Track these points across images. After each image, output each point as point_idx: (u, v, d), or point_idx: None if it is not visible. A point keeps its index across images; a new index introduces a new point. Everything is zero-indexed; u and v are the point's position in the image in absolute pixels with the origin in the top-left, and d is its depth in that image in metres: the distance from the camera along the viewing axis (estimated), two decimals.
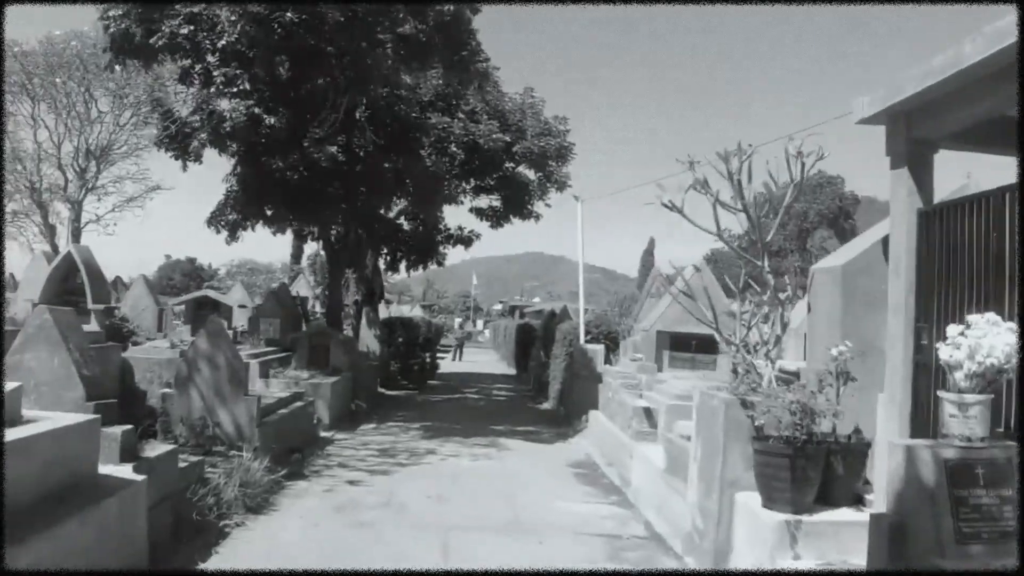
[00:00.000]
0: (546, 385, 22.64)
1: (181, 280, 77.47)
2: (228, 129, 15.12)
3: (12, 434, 5.29)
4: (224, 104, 15.52)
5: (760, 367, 7.74)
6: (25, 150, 35.93)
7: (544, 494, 10.73)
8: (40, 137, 35.77)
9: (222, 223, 18.13)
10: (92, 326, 19.11)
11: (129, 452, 7.08)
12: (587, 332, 22.79)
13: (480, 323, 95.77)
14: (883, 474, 5.65)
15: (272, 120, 16.04)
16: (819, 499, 6.50)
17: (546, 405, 21.61)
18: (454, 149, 20.83)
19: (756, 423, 6.77)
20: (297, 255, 48.43)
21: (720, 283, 16.06)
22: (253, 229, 18.59)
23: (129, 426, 7.23)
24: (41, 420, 6.04)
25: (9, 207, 46.74)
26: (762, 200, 8.34)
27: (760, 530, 6.34)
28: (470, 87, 19.35)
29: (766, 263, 8.12)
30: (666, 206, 8.18)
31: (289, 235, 27.25)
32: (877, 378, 6.71)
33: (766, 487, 6.47)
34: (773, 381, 7.52)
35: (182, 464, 8.30)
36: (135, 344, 18.46)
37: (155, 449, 7.75)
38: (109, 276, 38.44)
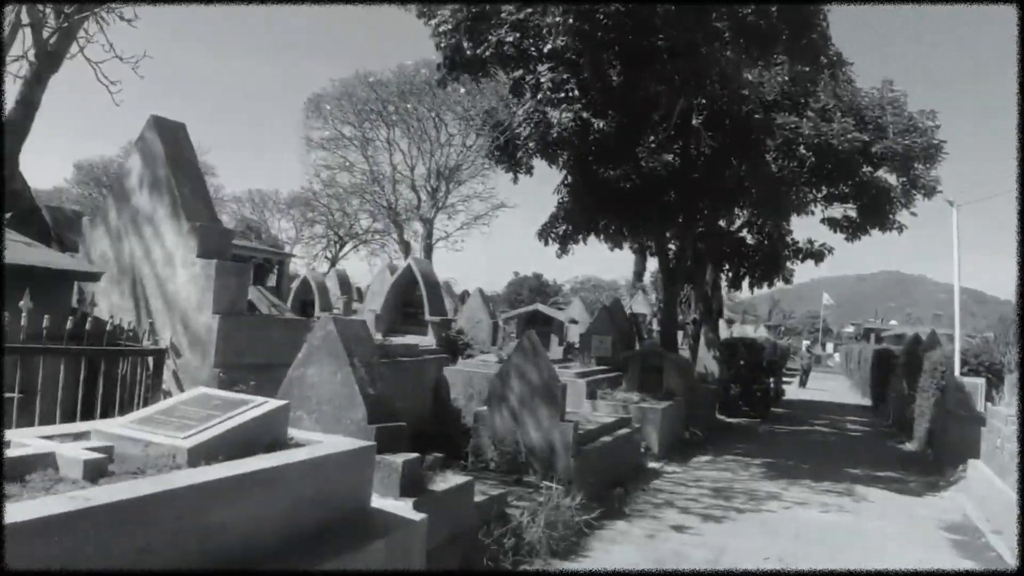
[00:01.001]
0: (909, 422, 19.67)
1: (528, 295, 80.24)
2: (555, 136, 14.39)
3: (260, 462, 4.51)
4: (552, 112, 14.83)
5: None
6: (384, 173, 38.74)
7: (912, 566, 8.54)
8: (395, 160, 38.41)
9: (553, 235, 17.52)
10: (428, 338, 19.44)
11: (413, 484, 6.20)
12: (963, 363, 19.42)
13: (830, 346, 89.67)
14: None
15: (601, 124, 15.09)
16: None
17: (909, 446, 18.67)
18: (803, 151, 18.64)
19: None
20: (639, 272, 47.78)
21: None
22: (584, 241, 17.81)
23: (414, 455, 6.36)
24: (311, 444, 5.28)
25: (372, 225, 50.96)
26: None
27: None
28: (819, 78, 17.18)
29: None
30: None
31: (632, 252, 26.47)
32: None
33: None
34: None
35: (479, 497, 7.35)
36: (468, 357, 18.39)
37: (447, 480, 6.84)
38: (457, 290, 40.54)
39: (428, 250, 39.53)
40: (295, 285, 22.92)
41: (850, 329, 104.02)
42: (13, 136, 12.07)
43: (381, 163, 39.85)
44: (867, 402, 32.56)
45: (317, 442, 5.37)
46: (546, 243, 17.67)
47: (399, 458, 6.12)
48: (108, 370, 7.16)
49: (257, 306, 13.09)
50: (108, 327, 7.37)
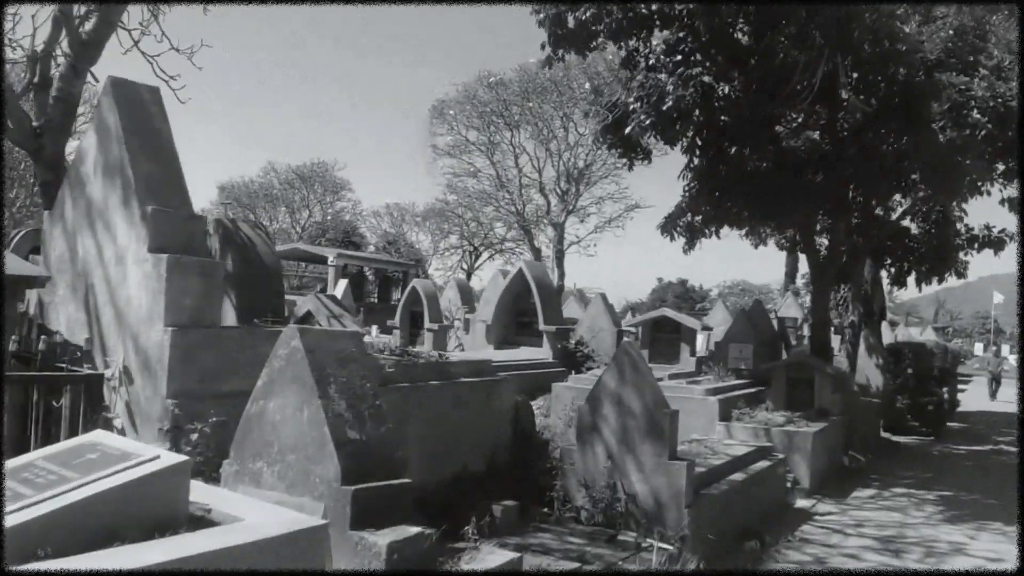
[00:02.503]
0: None
1: (673, 302, 77.34)
2: (671, 106, 12.09)
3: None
4: (667, 79, 12.52)
5: None
6: (510, 177, 37.07)
7: None
8: (521, 163, 36.68)
9: (678, 228, 15.14)
10: (544, 349, 17.44)
11: None
12: None
13: (1005, 348, 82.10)
14: None
15: (727, 90, 12.66)
16: None
17: None
18: (976, 116, 15.54)
19: None
20: (791, 272, 44.16)
21: None
22: (717, 235, 15.33)
23: (413, 530, 4.33)
24: (227, 523, 3.38)
25: (507, 234, 49.43)
26: None
27: None
28: (989, 29, 14.27)
29: None
30: None
31: (779, 249, 23.65)
32: None
33: None
34: None
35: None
36: (587, 370, 16.27)
37: (483, 559, 4.78)
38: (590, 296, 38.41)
39: (560, 256, 37.62)
40: (404, 296, 21.40)
41: None
42: (56, 134, 10.87)
43: (508, 167, 38.24)
44: None
45: (236, 519, 3.45)
46: (671, 237, 15.28)
47: (383, 537, 4.11)
48: (46, 399, 5.51)
49: (315, 316, 11.39)
50: (46, 345, 5.72)
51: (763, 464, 9.80)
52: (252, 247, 12.01)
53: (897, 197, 20.88)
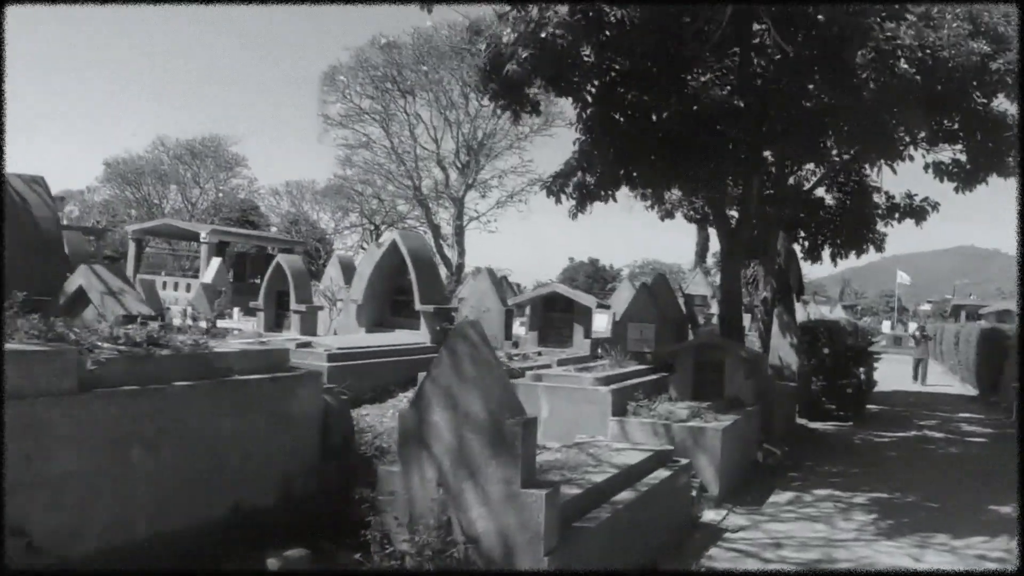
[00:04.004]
0: None
1: (584, 282, 75.91)
2: (550, 38, 9.91)
3: None
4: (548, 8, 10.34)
5: None
6: (406, 149, 34.64)
7: None
8: (417, 133, 34.29)
9: (566, 190, 13.00)
10: (422, 332, 15.23)
11: None
12: None
13: (912, 326, 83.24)
14: None
15: (620, 15, 10.54)
16: None
17: None
18: (904, 67, 13.79)
19: None
20: (702, 251, 42.89)
21: None
22: (613, 198, 13.25)
23: None
24: None
25: (410, 211, 47.01)
26: None
27: None
28: None
29: None
30: None
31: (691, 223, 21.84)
32: None
33: None
34: None
35: None
36: None
37: None
38: (513, 281, 36.30)
39: (459, 232, 35.34)
40: (268, 274, 18.85)
41: (927, 307, 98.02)
42: None
43: (404, 139, 35.72)
44: (969, 391, 27.46)
45: None
46: (557, 200, 13.14)
47: None
48: None
49: (87, 293, 8.91)
50: None
51: (662, 474, 7.76)
52: (25, 207, 9.48)
53: (811, 166, 19.31)
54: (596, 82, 12.49)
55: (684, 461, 8.56)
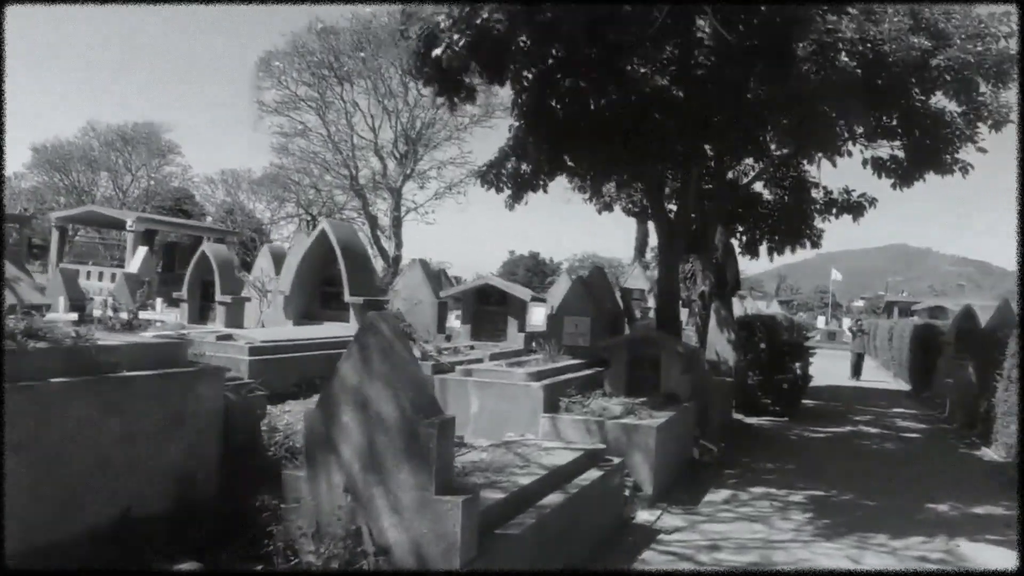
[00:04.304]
0: (983, 420, 15.03)
1: (524, 276, 75.60)
2: (486, 17, 9.48)
3: None
4: None
5: None
6: (343, 138, 33.89)
7: None
8: (355, 122, 33.55)
9: (502, 179, 12.57)
10: (351, 325, 14.73)
11: None
12: None
13: (846, 321, 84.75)
14: None
15: None
16: None
17: (991, 453, 13.95)
18: (844, 60, 13.63)
19: None
20: (642, 247, 42.79)
21: None
22: (544, 189, 12.86)
23: None
24: None
25: (347, 202, 46.13)
26: None
27: None
28: None
29: None
30: None
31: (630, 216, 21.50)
32: None
33: None
34: None
35: None
36: None
37: None
38: (452, 275, 35.69)
39: (397, 223, 34.68)
40: (193, 263, 18.02)
41: (860, 303, 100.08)
42: None
43: (342, 127, 34.89)
44: (902, 386, 27.79)
45: None
46: (495, 188, 12.70)
47: None
48: None
49: None
50: None
51: (593, 475, 7.40)
52: None
53: (749, 161, 19.22)
54: (533, 69, 12.10)
55: (617, 460, 8.22)
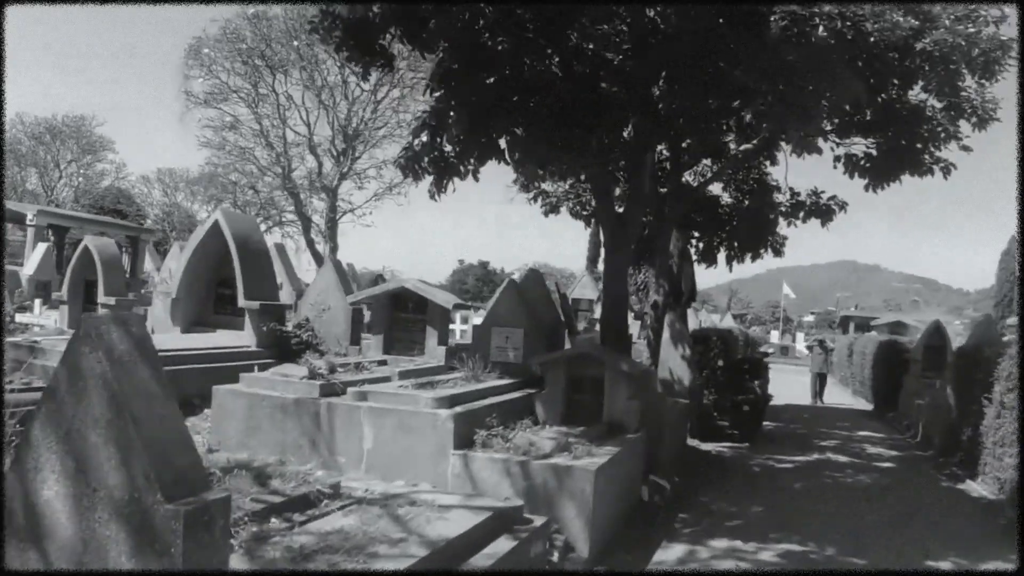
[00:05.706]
0: (965, 448, 13.55)
1: (474, 285, 73.63)
2: None
3: None
4: None
5: None
6: (277, 134, 31.61)
7: None
8: (289, 115, 31.26)
9: (425, 162, 10.47)
10: (247, 333, 12.62)
11: None
12: None
13: (801, 336, 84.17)
14: None
15: None
16: None
17: (979, 489, 12.27)
18: (821, 35, 11.81)
19: None
20: (594, 257, 41.06)
21: None
22: (475, 175, 10.77)
23: None
24: None
25: (285, 203, 43.74)
26: None
27: None
28: None
29: None
30: None
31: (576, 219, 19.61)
32: None
33: None
34: None
35: None
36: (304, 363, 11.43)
37: None
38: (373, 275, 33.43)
39: (332, 226, 32.45)
40: (74, 260, 15.59)
41: (810, 318, 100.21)
42: None
43: (275, 122, 32.60)
44: (863, 405, 26.32)
45: None
46: (415, 175, 10.63)
47: None
48: None
49: None
50: None
51: (501, 548, 5.36)
52: None
53: (707, 162, 17.51)
54: (459, 28, 10.09)
55: (539, 522, 6.19)
